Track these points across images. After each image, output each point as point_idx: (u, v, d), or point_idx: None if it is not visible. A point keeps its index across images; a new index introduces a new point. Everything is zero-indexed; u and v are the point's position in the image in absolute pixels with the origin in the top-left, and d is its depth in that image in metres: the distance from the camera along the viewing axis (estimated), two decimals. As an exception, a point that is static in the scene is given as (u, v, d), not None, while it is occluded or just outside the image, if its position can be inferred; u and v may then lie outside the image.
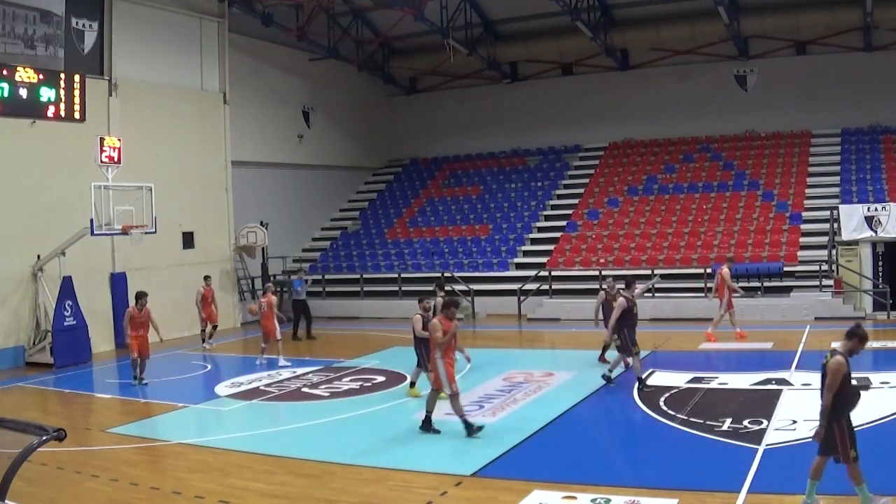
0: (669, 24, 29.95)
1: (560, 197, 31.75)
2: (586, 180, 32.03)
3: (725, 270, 20.18)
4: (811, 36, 29.77)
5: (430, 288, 27.28)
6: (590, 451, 11.37)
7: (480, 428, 11.72)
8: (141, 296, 17.65)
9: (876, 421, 11.40)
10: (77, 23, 22.39)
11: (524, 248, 29.28)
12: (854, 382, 8.18)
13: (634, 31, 30.82)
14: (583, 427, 12.66)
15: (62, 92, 19.60)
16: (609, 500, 8.75)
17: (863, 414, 11.48)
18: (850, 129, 29.86)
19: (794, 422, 11.50)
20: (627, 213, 29.17)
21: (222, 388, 16.47)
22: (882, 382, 13.92)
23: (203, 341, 22.52)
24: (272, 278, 28.42)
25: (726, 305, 19.91)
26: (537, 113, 34.29)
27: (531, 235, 29.85)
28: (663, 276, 24.94)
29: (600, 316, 17.21)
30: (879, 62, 28.91)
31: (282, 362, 19.03)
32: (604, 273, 24.49)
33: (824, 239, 24.63)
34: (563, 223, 29.69)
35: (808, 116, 30.28)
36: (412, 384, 14.98)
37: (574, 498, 8.89)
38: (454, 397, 11.78)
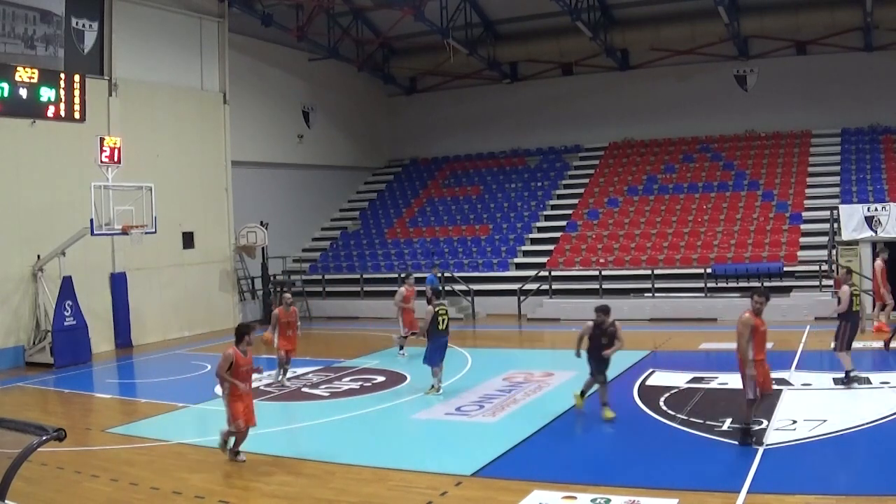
0: (669, 24, 29.94)
1: (560, 197, 31.74)
2: (586, 180, 32.03)
3: (879, 263, 20.34)
4: (811, 36, 29.76)
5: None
6: (590, 451, 11.37)
7: None
8: (286, 295, 16.94)
9: (876, 421, 11.40)
10: (77, 23, 22.37)
11: (524, 248, 29.27)
12: None
13: (634, 31, 30.81)
14: (583, 427, 12.65)
15: (62, 92, 19.63)
16: (609, 500, 8.75)
17: (863, 414, 11.53)
18: (850, 129, 29.85)
19: (794, 422, 11.51)
20: (627, 213, 29.17)
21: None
22: (882, 382, 13.92)
23: (401, 348, 19.71)
24: (272, 278, 28.44)
25: (890, 296, 20.12)
26: (537, 113, 34.30)
27: (531, 235, 29.84)
28: (663, 276, 24.97)
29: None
30: (879, 62, 28.91)
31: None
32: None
33: (824, 239, 24.62)
34: (563, 223, 29.69)
35: (808, 116, 30.28)
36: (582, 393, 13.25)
37: (574, 498, 8.89)
38: None
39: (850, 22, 28.07)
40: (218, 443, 11.13)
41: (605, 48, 30.79)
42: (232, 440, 11.07)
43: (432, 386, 15.03)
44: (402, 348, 19.61)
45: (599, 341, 12.72)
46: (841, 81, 29.38)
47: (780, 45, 30.37)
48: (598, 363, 12.82)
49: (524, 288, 26.15)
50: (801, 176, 28.48)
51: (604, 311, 12.80)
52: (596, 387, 12.95)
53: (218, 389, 12.38)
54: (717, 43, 30.44)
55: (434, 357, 15.05)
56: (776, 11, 28.33)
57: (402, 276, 22.63)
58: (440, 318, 15.18)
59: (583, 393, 13.13)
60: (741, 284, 24.14)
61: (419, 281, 21.89)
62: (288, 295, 16.91)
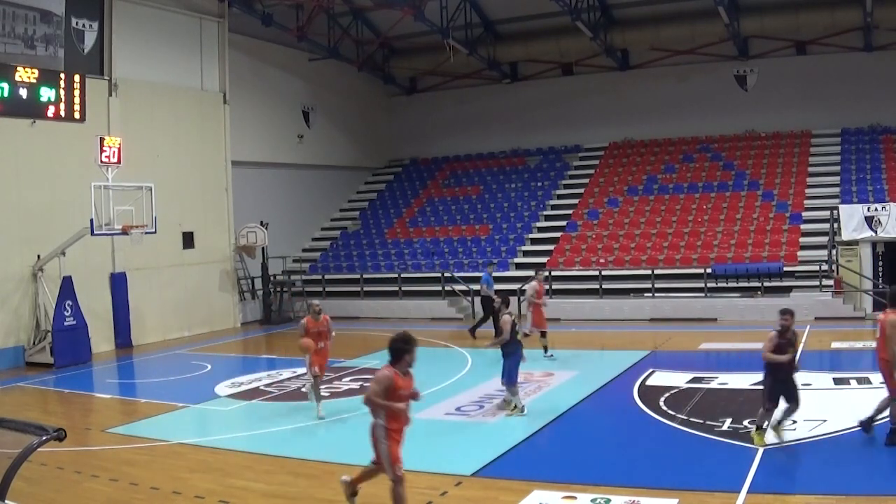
0: (669, 24, 29.95)
1: (560, 197, 31.75)
2: (586, 180, 32.03)
3: None
4: (811, 36, 29.77)
5: (431, 288, 27.48)
6: (590, 451, 11.36)
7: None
8: (314, 303, 14.64)
9: (876, 421, 11.38)
10: (77, 23, 22.37)
11: (524, 248, 29.27)
12: None
13: (634, 31, 30.82)
14: (583, 427, 12.65)
15: (62, 92, 19.61)
16: (609, 500, 8.75)
17: (863, 414, 11.50)
18: (850, 129, 29.85)
19: (795, 422, 11.49)
20: (627, 213, 29.17)
21: (222, 388, 16.48)
22: (882, 382, 13.90)
23: (545, 349, 18.24)
24: (272, 278, 28.43)
25: None
26: (537, 113, 34.30)
27: (531, 235, 29.84)
28: (663, 276, 24.97)
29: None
30: (879, 62, 28.91)
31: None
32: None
33: (824, 239, 24.63)
34: (564, 223, 29.69)
35: (808, 116, 30.29)
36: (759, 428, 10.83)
37: (574, 498, 8.89)
38: None
39: (850, 22, 28.07)
40: (345, 493, 9.20)
41: (605, 48, 30.80)
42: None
43: (514, 406, 13.18)
44: (546, 349, 18.14)
45: (786, 352, 10.54)
46: (841, 81, 29.39)
47: (780, 45, 30.37)
48: (789, 384, 10.66)
49: (524, 288, 26.10)
50: (801, 176, 28.48)
51: (790, 313, 10.69)
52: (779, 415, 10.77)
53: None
54: (717, 43, 30.45)
55: (515, 374, 13.29)
56: (776, 11, 28.34)
57: (535, 269, 21.08)
58: (517, 330, 13.57)
59: (774, 427, 10.81)
60: (741, 284, 24.17)
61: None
62: (316, 302, 14.74)
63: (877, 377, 14.18)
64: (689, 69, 31.88)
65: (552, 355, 17.99)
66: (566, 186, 32.27)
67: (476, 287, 26.96)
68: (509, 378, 13.17)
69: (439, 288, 27.40)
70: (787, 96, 30.42)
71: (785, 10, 28.29)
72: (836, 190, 26.88)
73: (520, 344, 13.46)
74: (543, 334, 18.32)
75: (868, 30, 28.16)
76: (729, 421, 11.68)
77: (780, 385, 10.55)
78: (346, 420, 13.43)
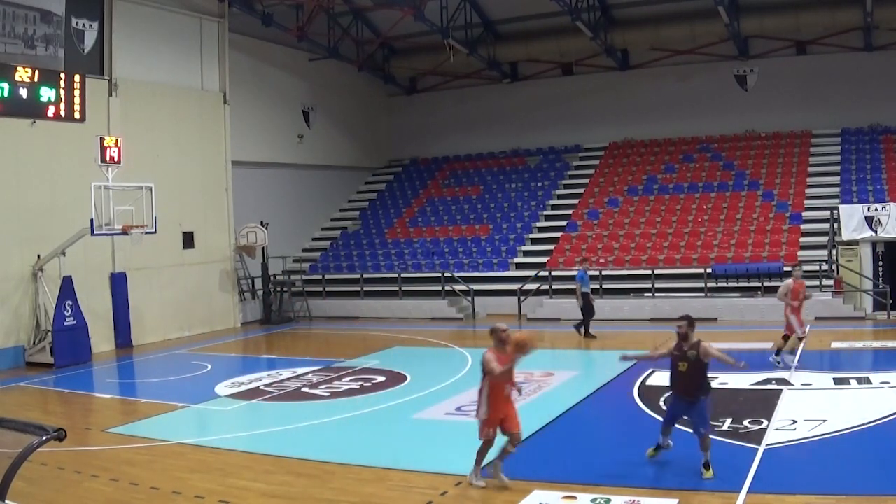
0: (669, 24, 29.94)
1: (560, 197, 31.74)
2: (586, 180, 32.03)
3: None
4: (811, 36, 29.76)
5: (431, 288, 27.47)
6: (590, 451, 11.36)
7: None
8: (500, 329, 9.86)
9: (876, 421, 11.40)
10: (77, 23, 22.37)
11: (524, 248, 29.27)
12: None
13: (634, 31, 30.81)
14: (583, 427, 12.66)
15: (62, 92, 19.58)
16: (609, 500, 8.76)
17: (863, 414, 11.53)
18: (850, 128, 29.85)
19: (795, 422, 11.51)
20: (627, 213, 29.16)
21: (222, 388, 16.47)
22: (882, 382, 13.92)
23: (778, 352, 15.99)
24: (273, 278, 28.42)
25: None
26: (537, 113, 34.30)
27: (531, 235, 29.84)
28: (663, 276, 24.97)
29: None
30: (879, 62, 28.91)
31: (788, 361, 15.81)
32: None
33: (824, 239, 24.63)
34: (564, 223, 29.69)
35: (808, 116, 30.27)
36: None
37: (574, 498, 8.89)
38: None
39: (851, 22, 28.06)
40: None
41: (605, 48, 30.79)
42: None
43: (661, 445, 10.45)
44: (779, 352, 15.97)
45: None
46: (841, 81, 29.39)
47: (781, 44, 30.37)
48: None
49: (524, 288, 26.14)
50: (802, 176, 28.48)
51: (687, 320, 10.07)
52: None
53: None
54: (717, 43, 30.46)
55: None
56: (776, 11, 28.33)
57: (792, 266, 18.02)
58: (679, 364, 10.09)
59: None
60: (741, 284, 24.17)
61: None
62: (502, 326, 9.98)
63: (877, 377, 14.22)
64: (689, 69, 31.88)
65: (780, 362, 15.82)
66: (566, 186, 32.26)
67: (476, 287, 27.02)
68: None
69: (439, 288, 27.39)
70: (787, 96, 30.42)
71: (785, 10, 28.28)
72: (837, 190, 26.88)
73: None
74: (786, 338, 16.12)
75: (868, 30, 28.15)
76: (729, 421, 11.67)
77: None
78: (346, 420, 13.44)
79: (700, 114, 31.73)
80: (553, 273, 26.18)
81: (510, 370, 9.50)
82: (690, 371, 9.77)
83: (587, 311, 21.47)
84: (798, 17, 28.31)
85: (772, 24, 28.82)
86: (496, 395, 9.50)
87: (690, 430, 9.89)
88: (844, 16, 27.83)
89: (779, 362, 15.66)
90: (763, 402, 12.79)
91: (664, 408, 12.83)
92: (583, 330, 21.38)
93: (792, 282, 16.21)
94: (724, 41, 30.16)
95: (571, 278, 25.93)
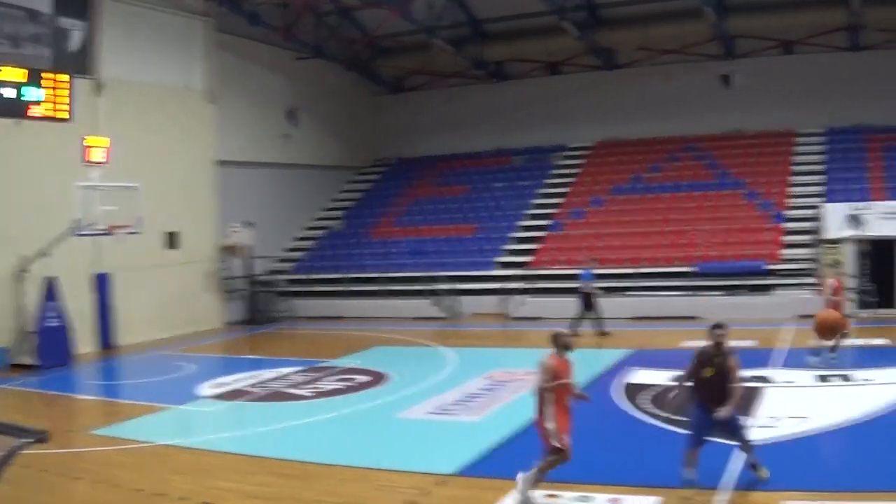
0: (656, 24, 29.95)
1: (545, 196, 31.77)
2: (572, 179, 32.07)
3: None
4: (797, 36, 29.85)
5: (415, 287, 27.45)
6: (573, 448, 11.39)
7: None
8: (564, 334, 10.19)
9: (858, 419, 11.49)
10: (64, 22, 22.27)
11: (509, 247, 29.27)
12: None
13: (621, 30, 30.81)
14: (567, 426, 12.67)
15: (48, 91, 19.46)
16: (591, 498, 8.80)
17: (846, 412, 11.62)
18: (835, 128, 29.96)
19: (777, 419, 11.58)
20: (612, 212, 29.21)
21: (206, 389, 16.42)
22: (865, 380, 14.03)
23: (832, 350, 15.90)
24: (256, 277, 28.34)
25: None
26: (523, 112, 34.28)
27: (516, 234, 29.85)
28: (646, 275, 25.04)
29: None
30: (865, 62, 29.02)
31: (810, 361, 15.77)
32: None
33: (809, 238, 24.75)
34: (549, 222, 29.73)
35: (793, 116, 30.36)
36: None
37: (557, 496, 8.93)
38: None
39: (837, 22, 28.15)
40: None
41: (591, 48, 30.83)
42: None
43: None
44: (831, 350, 15.89)
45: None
46: (827, 81, 29.48)
47: (767, 44, 30.47)
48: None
49: (507, 287, 26.13)
50: (786, 175, 28.59)
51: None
52: None
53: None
54: (703, 42, 30.52)
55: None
56: (763, 11, 28.38)
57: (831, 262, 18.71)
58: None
59: None
60: (725, 283, 24.26)
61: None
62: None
63: (859, 374, 14.30)
64: (675, 69, 31.93)
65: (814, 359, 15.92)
66: (551, 186, 32.28)
67: (461, 286, 27.02)
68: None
69: (424, 287, 27.35)
70: (772, 96, 30.48)
71: (771, 9, 28.32)
72: (821, 189, 26.98)
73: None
74: (845, 334, 16.12)
75: (854, 30, 28.28)
76: (712, 419, 11.71)
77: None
78: (329, 420, 13.45)
79: (686, 113, 31.77)
80: (535, 272, 26.16)
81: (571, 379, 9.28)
82: (716, 378, 9.11)
83: (588, 309, 21.57)
84: (784, 17, 28.36)
85: (758, 23, 28.87)
86: (560, 403, 9.23)
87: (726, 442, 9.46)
88: (831, 16, 27.92)
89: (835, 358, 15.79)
90: (745, 400, 12.83)
91: (647, 405, 12.90)
92: (600, 329, 21.30)
93: (833, 280, 16.88)
94: (710, 41, 30.25)
95: (556, 277, 26.08)
